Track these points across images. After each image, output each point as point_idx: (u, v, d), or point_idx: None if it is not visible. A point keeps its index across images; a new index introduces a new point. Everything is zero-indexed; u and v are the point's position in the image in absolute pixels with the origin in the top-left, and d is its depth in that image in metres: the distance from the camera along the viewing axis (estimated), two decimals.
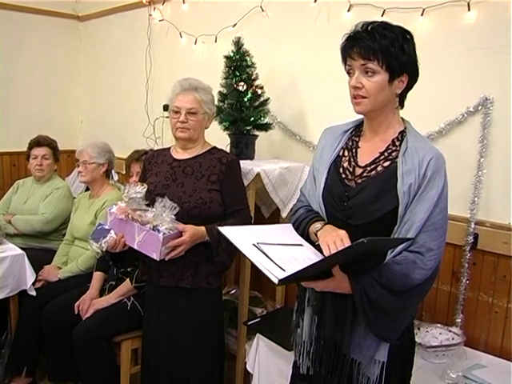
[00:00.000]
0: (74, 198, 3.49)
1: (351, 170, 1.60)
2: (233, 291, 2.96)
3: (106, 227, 2.13)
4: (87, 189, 3.78)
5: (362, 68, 1.48)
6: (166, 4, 3.73)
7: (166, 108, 3.56)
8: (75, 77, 4.79)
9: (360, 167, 1.58)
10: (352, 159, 1.61)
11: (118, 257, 2.27)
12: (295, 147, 2.91)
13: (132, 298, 2.62)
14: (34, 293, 2.78)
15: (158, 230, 2.02)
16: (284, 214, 2.68)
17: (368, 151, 1.60)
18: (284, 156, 2.94)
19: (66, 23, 4.70)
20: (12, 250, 2.80)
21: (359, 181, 1.56)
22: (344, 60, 1.55)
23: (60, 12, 4.64)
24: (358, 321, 1.51)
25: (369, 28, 1.49)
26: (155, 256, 2.04)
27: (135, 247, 2.09)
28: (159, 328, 2.33)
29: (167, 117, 3.57)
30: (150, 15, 3.85)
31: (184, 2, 3.54)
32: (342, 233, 1.44)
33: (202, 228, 2.15)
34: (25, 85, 4.50)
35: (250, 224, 2.35)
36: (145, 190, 2.13)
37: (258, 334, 2.49)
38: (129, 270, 2.70)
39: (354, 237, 1.39)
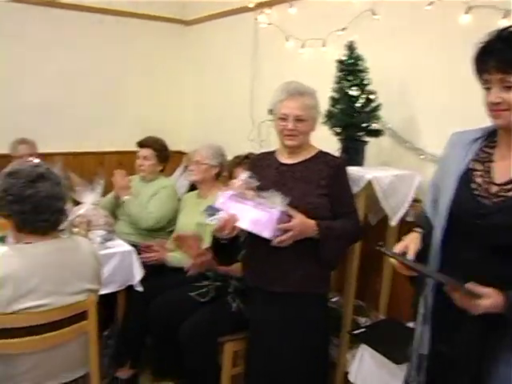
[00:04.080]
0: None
1: (486, 186, 1.51)
2: (334, 299, 2.91)
3: (216, 206, 2.15)
4: (191, 189, 3.87)
5: (500, 82, 1.39)
6: (273, 8, 3.75)
7: (270, 111, 3.61)
8: (180, 80, 4.90)
9: (496, 185, 1.49)
10: (486, 175, 1.53)
11: (222, 250, 2.28)
12: (404, 154, 2.83)
13: (237, 300, 2.64)
14: (141, 288, 2.86)
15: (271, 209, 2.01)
16: (393, 223, 2.61)
17: (505, 168, 1.49)
18: (392, 163, 2.86)
19: (173, 28, 4.83)
20: (121, 246, 2.89)
21: (496, 200, 1.47)
22: (478, 72, 1.47)
23: (167, 17, 4.78)
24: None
25: (503, 36, 1.40)
26: (267, 234, 2.02)
27: (245, 227, 2.09)
28: (264, 332, 2.32)
29: (272, 120, 3.62)
30: (256, 19, 3.88)
31: (291, 6, 3.54)
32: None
33: (312, 221, 2.11)
34: (132, 87, 4.67)
35: (359, 227, 2.31)
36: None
37: (362, 345, 2.44)
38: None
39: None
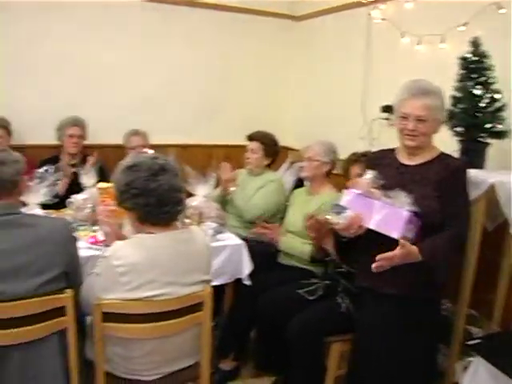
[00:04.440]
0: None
1: None
2: (446, 305, 2.80)
3: (342, 204, 2.12)
4: (296, 185, 3.87)
5: None
6: (387, 3, 3.65)
7: (384, 109, 3.54)
8: (288, 76, 4.90)
9: None
10: None
11: (346, 248, 2.25)
12: None
13: (346, 300, 2.60)
14: (249, 282, 2.89)
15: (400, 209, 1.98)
16: None
17: None
18: None
19: (282, 23, 4.83)
20: (232, 239, 2.93)
21: None
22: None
23: (276, 12, 4.78)
24: None
25: None
26: (395, 234, 1.98)
27: (372, 226, 2.05)
28: (370, 334, 2.27)
29: (385, 118, 3.55)
30: (369, 14, 3.79)
31: (407, 1, 3.43)
32: None
33: (415, 248, 1.99)
34: (241, 82, 4.73)
35: (463, 234, 2.19)
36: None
37: (477, 357, 2.32)
38: (343, 269, 2.68)
39: None
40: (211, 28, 4.52)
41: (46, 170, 2.65)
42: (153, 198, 1.85)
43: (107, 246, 2.23)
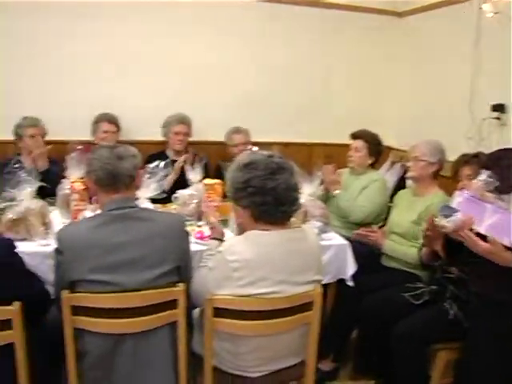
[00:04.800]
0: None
1: None
2: None
3: (453, 207, 2.03)
4: (399, 186, 3.76)
5: None
6: None
7: (495, 108, 3.37)
8: (391, 73, 4.77)
9: None
10: None
11: (455, 250, 2.16)
12: None
13: (454, 306, 2.49)
14: (352, 283, 2.83)
15: None
16: None
17: None
18: None
19: (384, 20, 4.70)
20: (337, 239, 2.88)
21: None
22: None
23: (379, 8, 4.66)
24: None
25: None
26: (507, 241, 1.87)
27: (483, 231, 1.94)
28: (484, 346, 2.15)
29: (496, 118, 3.38)
30: (481, 8, 3.61)
31: None
32: None
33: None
34: (342, 80, 4.66)
35: None
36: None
37: None
38: (452, 275, 2.57)
39: None
40: (313, 26, 4.49)
41: (157, 166, 2.72)
42: (270, 196, 1.84)
43: (218, 239, 2.26)
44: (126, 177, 1.95)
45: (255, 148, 3.27)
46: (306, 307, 1.97)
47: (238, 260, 1.83)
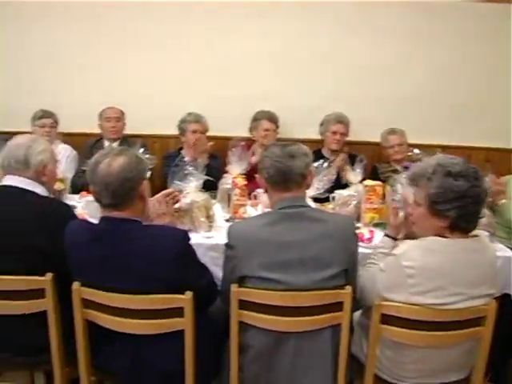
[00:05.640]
0: None
1: None
2: None
3: None
4: None
5: None
6: None
7: None
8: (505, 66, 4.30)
9: None
10: None
11: None
12: None
13: None
14: None
15: None
16: None
17: None
18: None
19: (497, 8, 4.23)
20: (503, 250, 2.68)
21: None
22: None
23: None
24: None
25: None
26: None
27: None
28: None
29: None
30: None
31: None
32: None
33: None
34: (506, 80, 4.31)
35: None
36: None
37: None
38: None
39: None
40: (481, 22, 4.19)
41: (321, 164, 2.70)
42: (473, 205, 1.78)
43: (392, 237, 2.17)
44: (297, 175, 1.94)
45: (416, 150, 3.14)
46: (477, 322, 1.86)
47: (414, 267, 1.77)
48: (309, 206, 2.00)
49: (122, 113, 3.93)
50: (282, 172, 1.93)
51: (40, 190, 2.16)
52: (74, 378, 2.12)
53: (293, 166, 1.93)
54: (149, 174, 2.07)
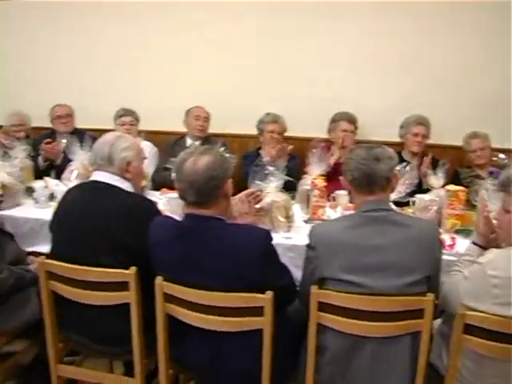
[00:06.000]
0: None
1: None
2: None
3: None
4: None
5: None
6: None
7: None
8: None
9: None
10: None
11: None
12: None
13: None
14: None
15: None
16: None
17: None
18: None
19: None
20: None
21: None
22: None
23: None
24: None
25: None
26: None
27: None
28: None
29: None
30: None
31: None
32: None
33: None
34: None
35: None
36: None
37: None
38: None
39: None
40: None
41: (404, 167, 2.67)
42: None
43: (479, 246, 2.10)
44: (382, 179, 1.92)
45: (502, 155, 3.04)
46: None
47: (499, 276, 1.71)
48: (392, 210, 1.97)
49: (209, 114, 4.01)
50: (366, 175, 1.92)
51: (126, 185, 2.23)
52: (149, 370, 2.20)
53: (378, 169, 1.91)
54: None
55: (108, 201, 2.15)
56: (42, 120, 4.25)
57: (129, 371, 2.26)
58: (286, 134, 3.85)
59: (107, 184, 2.20)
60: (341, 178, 2.04)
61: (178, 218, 2.06)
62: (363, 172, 1.92)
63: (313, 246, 1.93)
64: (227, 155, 2.07)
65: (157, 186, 3.45)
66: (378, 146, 2.00)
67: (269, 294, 1.82)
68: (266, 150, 3.72)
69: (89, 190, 2.24)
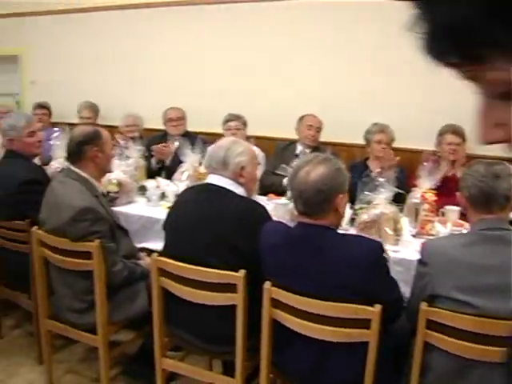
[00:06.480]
0: None
1: None
2: None
3: None
4: None
5: None
6: None
7: None
8: None
9: None
10: None
11: None
12: None
13: None
14: None
15: None
16: None
17: None
18: None
19: None
20: None
21: None
22: None
23: None
24: None
25: None
26: None
27: None
28: None
29: None
30: None
31: None
32: None
33: None
34: None
35: None
36: None
37: None
38: None
39: None
40: None
41: None
42: None
43: None
44: (501, 197, 1.84)
45: None
46: None
47: None
48: (510, 230, 1.88)
49: (322, 123, 4.01)
50: (484, 193, 1.85)
51: (240, 190, 2.27)
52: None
53: (497, 187, 1.84)
54: None
55: (222, 204, 2.20)
56: (155, 122, 4.46)
57: (227, 371, 2.31)
58: (395, 145, 3.75)
59: (222, 187, 2.25)
60: (457, 193, 1.98)
61: (291, 224, 2.07)
62: (481, 190, 1.86)
63: (425, 262, 1.89)
64: (344, 168, 2.00)
65: (264, 191, 3.48)
66: (499, 163, 1.91)
67: (377, 307, 1.80)
68: (373, 163, 3.66)
69: (203, 192, 2.31)
